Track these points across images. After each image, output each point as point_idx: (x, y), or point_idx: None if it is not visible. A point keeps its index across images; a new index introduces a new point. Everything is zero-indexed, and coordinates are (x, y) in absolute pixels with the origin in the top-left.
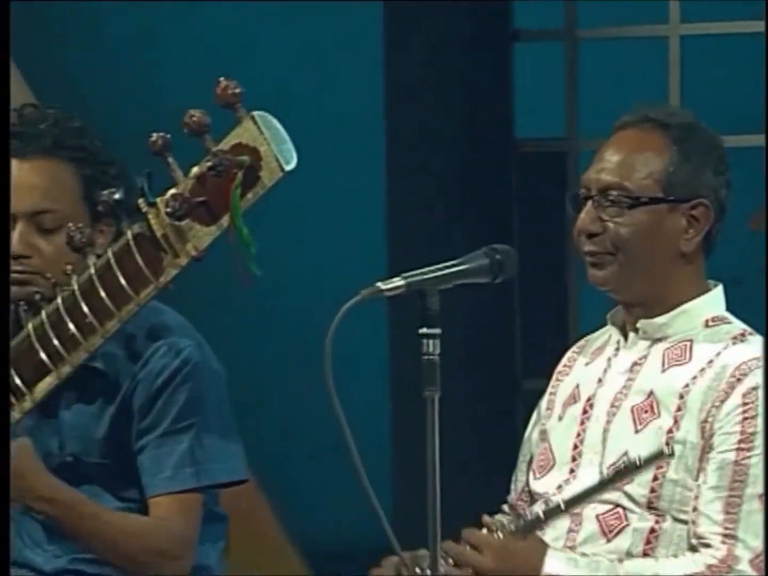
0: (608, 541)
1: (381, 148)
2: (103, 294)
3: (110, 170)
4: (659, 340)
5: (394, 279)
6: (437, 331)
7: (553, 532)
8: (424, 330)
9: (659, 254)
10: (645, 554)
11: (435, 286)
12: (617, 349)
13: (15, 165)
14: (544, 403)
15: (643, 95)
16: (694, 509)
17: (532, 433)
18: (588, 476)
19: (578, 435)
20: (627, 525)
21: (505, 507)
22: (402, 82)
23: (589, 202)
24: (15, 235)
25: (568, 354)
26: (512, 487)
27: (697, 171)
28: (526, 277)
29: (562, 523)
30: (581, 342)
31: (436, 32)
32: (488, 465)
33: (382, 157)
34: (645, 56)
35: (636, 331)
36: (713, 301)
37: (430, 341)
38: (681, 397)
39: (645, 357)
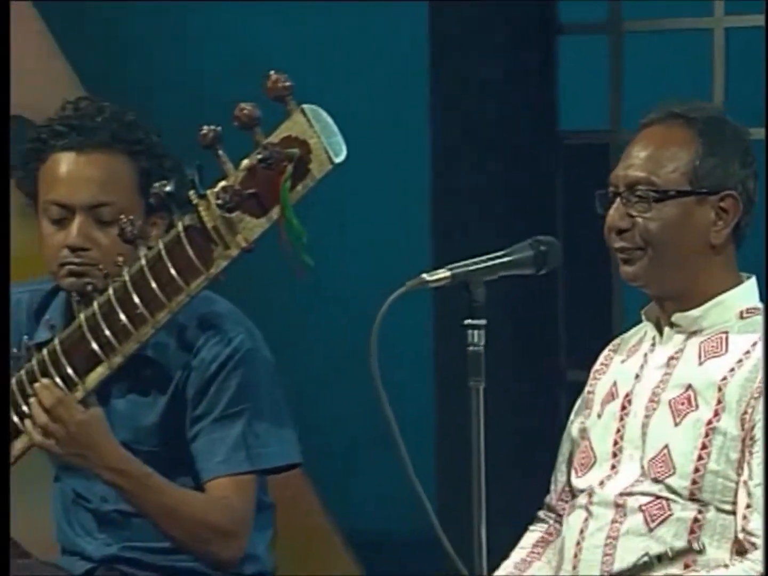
0: (651, 531)
1: (426, 139)
2: (154, 285)
3: (165, 163)
4: (694, 333)
5: (440, 270)
6: (482, 322)
7: (596, 523)
8: (469, 321)
9: (689, 247)
10: (689, 543)
11: (480, 278)
12: (653, 344)
13: (72, 158)
14: (582, 402)
15: (687, 87)
16: (747, 506)
17: (570, 432)
18: (629, 471)
19: (618, 431)
20: (670, 515)
21: (541, 513)
22: (448, 75)
23: (618, 199)
24: (73, 228)
25: (605, 353)
26: (552, 488)
27: (723, 163)
28: (570, 269)
29: (606, 514)
30: (617, 340)
31: (481, 26)
32: (532, 455)
33: (427, 149)
34: (689, 48)
35: (671, 325)
36: (747, 292)
37: (476, 332)
38: (719, 389)
39: (681, 351)
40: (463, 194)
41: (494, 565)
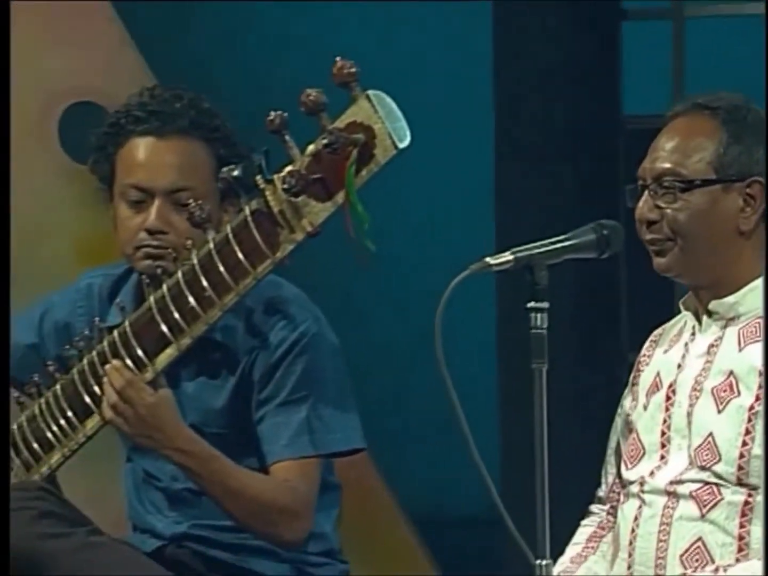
0: (703, 516)
1: (490, 124)
2: (221, 268)
3: (239, 150)
4: (732, 320)
5: (503, 254)
6: (545, 305)
7: (650, 510)
8: (532, 304)
9: (718, 235)
10: (741, 527)
11: (543, 261)
12: (693, 333)
13: (151, 143)
14: (627, 394)
15: (748, 72)
16: None
17: (617, 425)
18: (678, 461)
19: (665, 421)
20: (721, 499)
21: (593, 507)
22: (511, 60)
23: (646, 192)
24: (152, 211)
25: (647, 344)
26: (603, 480)
27: (748, 150)
28: (632, 252)
29: (658, 502)
30: (658, 330)
31: (545, 12)
32: (593, 436)
33: (490, 134)
34: (750, 33)
35: (709, 313)
36: None
37: (538, 315)
38: (760, 374)
39: (720, 338)
40: (526, 179)
41: (557, 546)
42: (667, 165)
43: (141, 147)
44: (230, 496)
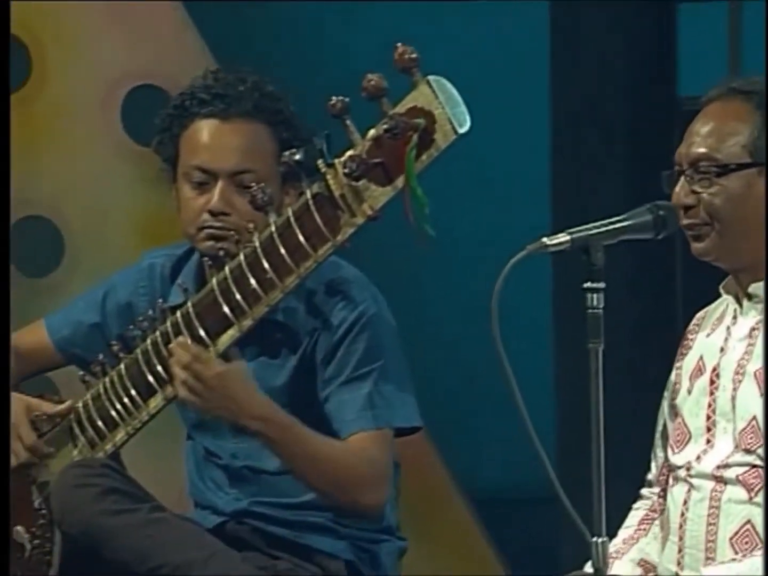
0: (751, 499)
1: (545, 106)
2: (282, 251)
3: (302, 134)
4: None
5: (560, 234)
6: (601, 285)
7: (699, 494)
8: (588, 284)
9: (754, 218)
10: None
11: (599, 242)
12: (734, 317)
13: (215, 125)
14: (672, 377)
15: None
16: None
17: (663, 409)
18: (724, 444)
19: (709, 405)
20: None
21: (644, 491)
22: (567, 41)
23: (682, 177)
24: (216, 193)
25: (689, 327)
26: (652, 464)
27: None
28: None
29: (706, 486)
30: (700, 314)
31: None
32: (648, 416)
33: (546, 116)
34: None
35: (749, 297)
36: None
37: (594, 295)
38: None
39: (762, 321)
40: (582, 161)
41: (612, 524)
42: (703, 150)
43: (205, 129)
44: (309, 463)
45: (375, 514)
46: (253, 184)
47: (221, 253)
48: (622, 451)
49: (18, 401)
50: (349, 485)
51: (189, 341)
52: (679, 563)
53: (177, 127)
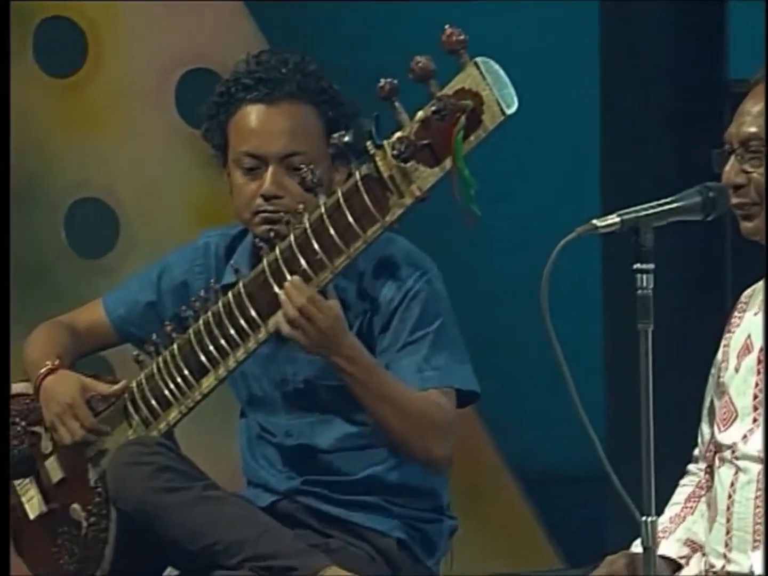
0: None
1: (595, 88)
2: (332, 232)
3: (347, 112)
4: None
5: (610, 216)
6: (651, 266)
7: (746, 476)
8: (638, 265)
9: None
10: None
11: (649, 223)
12: None
13: (262, 110)
14: (719, 355)
15: None
16: None
17: (711, 384)
18: None
19: (756, 385)
20: None
21: (691, 467)
22: (617, 25)
23: (732, 156)
24: (267, 178)
25: (737, 305)
26: (699, 440)
27: None
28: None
29: (753, 468)
30: (747, 292)
31: None
32: (697, 396)
33: (596, 98)
34: None
35: None
36: None
37: (644, 276)
38: None
39: None
40: (631, 143)
41: (662, 503)
42: (753, 129)
43: (252, 115)
44: (388, 405)
45: (442, 466)
46: (303, 165)
47: (272, 234)
48: (670, 431)
49: (74, 381)
50: (423, 431)
51: (300, 280)
52: (726, 545)
53: (224, 114)
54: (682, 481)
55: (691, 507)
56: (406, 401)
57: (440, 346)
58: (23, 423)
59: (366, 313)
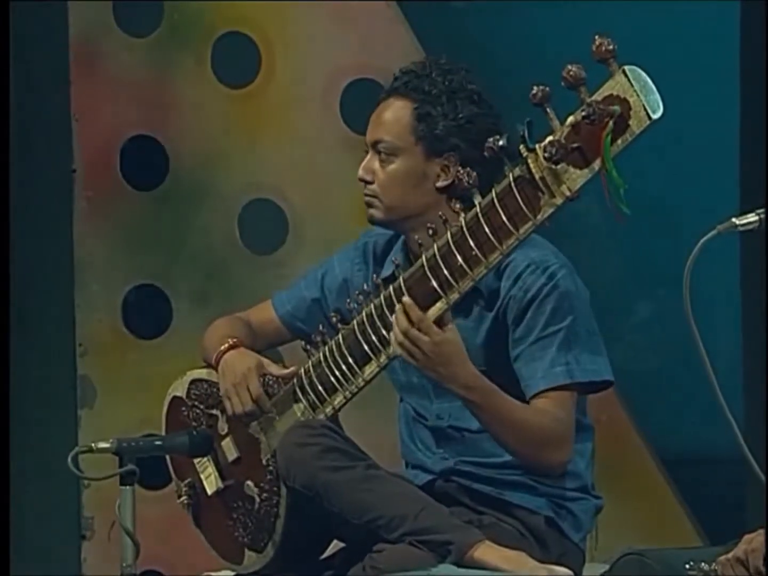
0: None
1: (736, 88)
2: (487, 230)
3: (444, 110)
4: None
5: (749, 215)
6: None
7: None
8: None
9: None
10: None
11: None
12: None
13: (380, 105)
14: None
15: None
16: None
17: None
18: None
19: None
20: None
21: None
22: (758, 23)
23: None
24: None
25: None
26: None
27: None
28: None
29: None
30: None
31: None
32: None
33: (736, 98)
34: None
35: None
36: None
37: None
38: None
39: None
40: None
41: None
42: None
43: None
44: (506, 425)
45: (558, 471)
46: (394, 153)
47: (429, 231)
48: None
49: (252, 357)
50: (538, 443)
51: (412, 303)
52: None
53: None
54: None
55: None
56: (523, 421)
57: (573, 340)
58: (202, 406)
59: (507, 294)
